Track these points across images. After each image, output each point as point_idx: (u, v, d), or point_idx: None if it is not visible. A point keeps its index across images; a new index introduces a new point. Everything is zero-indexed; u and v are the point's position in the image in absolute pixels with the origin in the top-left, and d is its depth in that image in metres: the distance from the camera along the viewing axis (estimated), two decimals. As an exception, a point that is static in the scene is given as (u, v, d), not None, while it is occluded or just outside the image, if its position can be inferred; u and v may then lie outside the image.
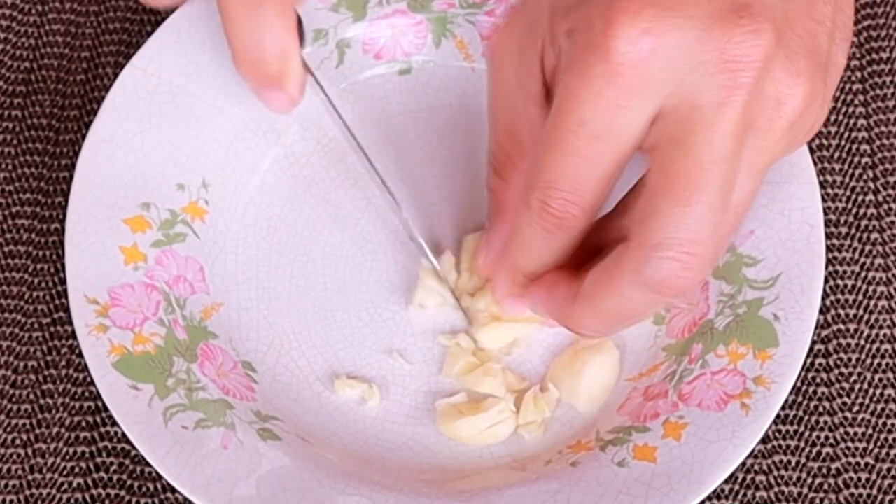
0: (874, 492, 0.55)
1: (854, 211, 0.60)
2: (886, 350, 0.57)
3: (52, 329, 0.58)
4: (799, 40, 0.45)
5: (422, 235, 0.56)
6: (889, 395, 0.56)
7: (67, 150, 0.62)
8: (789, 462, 0.55)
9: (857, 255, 0.59)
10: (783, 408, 0.56)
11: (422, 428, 0.55)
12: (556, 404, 0.55)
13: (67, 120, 0.62)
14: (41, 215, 0.60)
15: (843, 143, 0.61)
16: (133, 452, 0.55)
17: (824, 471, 0.55)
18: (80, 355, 0.54)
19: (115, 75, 0.59)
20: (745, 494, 0.55)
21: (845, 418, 0.56)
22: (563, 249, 0.48)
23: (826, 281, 0.58)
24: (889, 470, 0.55)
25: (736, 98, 0.43)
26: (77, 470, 0.55)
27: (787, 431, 0.56)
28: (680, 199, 0.44)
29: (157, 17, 0.64)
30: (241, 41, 0.48)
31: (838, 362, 0.57)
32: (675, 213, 0.44)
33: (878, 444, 0.55)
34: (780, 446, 0.55)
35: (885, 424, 0.56)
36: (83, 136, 0.58)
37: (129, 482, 0.55)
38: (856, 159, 0.61)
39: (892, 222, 0.60)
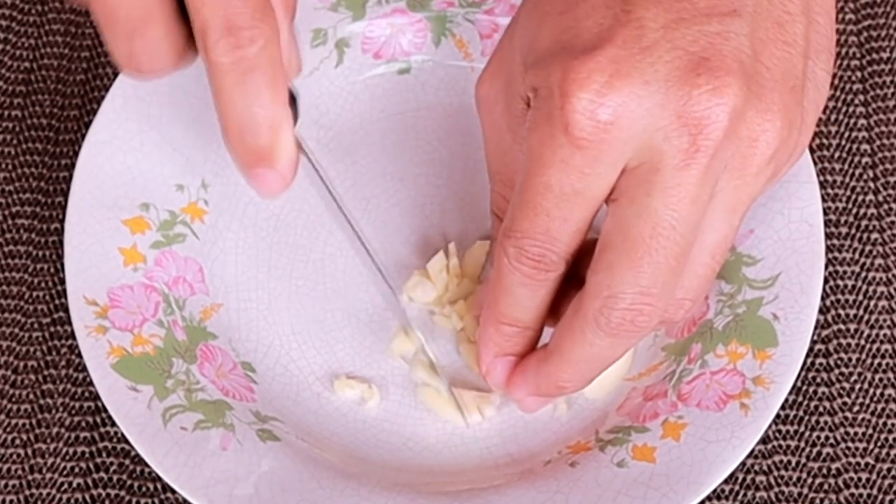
0: (874, 492, 0.55)
1: (854, 211, 0.60)
2: (887, 350, 0.57)
3: (51, 329, 0.58)
4: (768, 73, 0.44)
5: (410, 241, 0.57)
6: (889, 395, 0.56)
7: (67, 150, 0.62)
8: (789, 462, 0.55)
9: (857, 255, 0.59)
10: (783, 408, 0.56)
11: (422, 428, 0.55)
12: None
13: (67, 120, 0.62)
14: (41, 215, 0.60)
15: (843, 143, 0.61)
16: (133, 452, 0.55)
17: (824, 471, 0.55)
18: (80, 355, 0.54)
19: (115, 75, 0.59)
20: (745, 495, 0.55)
21: (845, 418, 0.56)
22: (544, 293, 0.48)
23: (826, 281, 0.58)
24: (889, 470, 0.55)
25: (696, 161, 0.43)
26: (77, 470, 0.55)
27: (788, 431, 0.56)
28: (632, 261, 0.44)
29: (157, 17, 0.64)
30: (229, 109, 0.46)
31: (838, 362, 0.57)
32: (628, 272, 0.45)
33: (879, 444, 0.55)
34: (780, 446, 0.55)
35: (885, 424, 0.56)
36: (83, 137, 0.58)
37: (128, 482, 0.55)
38: (856, 159, 0.61)
39: (893, 222, 0.59)
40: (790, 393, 0.53)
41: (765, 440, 0.55)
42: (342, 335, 0.57)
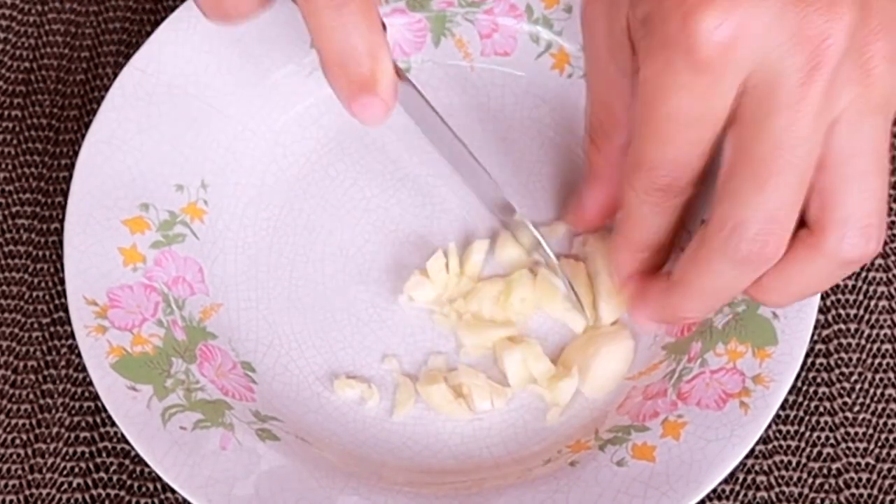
0: (875, 492, 0.54)
1: (854, 210, 0.60)
2: (887, 350, 0.57)
3: (51, 329, 0.58)
4: None
5: (410, 241, 0.58)
6: (890, 395, 0.56)
7: (67, 150, 0.62)
8: (790, 462, 0.55)
9: (857, 255, 0.59)
10: (783, 408, 0.56)
11: (422, 428, 0.55)
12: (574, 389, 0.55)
13: (67, 120, 0.62)
14: (41, 215, 0.60)
15: (843, 142, 0.61)
16: (133, 452, 0.55)
17: (825, 471, 0.55)
18: (80, 355, 0.54)
19: (115, 75, 0.59)
20: (745, 495, 0.54)
21: (846, 418, 0.56)
22: (673, 216, 0.49)
23: (826, 280, 0.58)
24: (890, 470, 0.55)
25: (816, 78, 0.43)
26: (77, 470, 0.55)
27: (788, 431, 0.55)
28: (757, 184, 0.45)
29: (157, 18, 0.65)
30: (329, 43, 0.47)
31: (839, 362, 0.57)
32: (754, 196, 0.45)
33: (879, 444, 0.55)
34: (780, 446, 0.55)
35: (885, 424, 0.56)
36: (83, 136, 0.58)
37: (128, 482, 0.55)
38: (856, 158, 0.61)
39: (893, 222, 0.59)
40: (790, 393, 0.53)
41: (765, 440, 0.55)
42: (342, 335, 0.56)
